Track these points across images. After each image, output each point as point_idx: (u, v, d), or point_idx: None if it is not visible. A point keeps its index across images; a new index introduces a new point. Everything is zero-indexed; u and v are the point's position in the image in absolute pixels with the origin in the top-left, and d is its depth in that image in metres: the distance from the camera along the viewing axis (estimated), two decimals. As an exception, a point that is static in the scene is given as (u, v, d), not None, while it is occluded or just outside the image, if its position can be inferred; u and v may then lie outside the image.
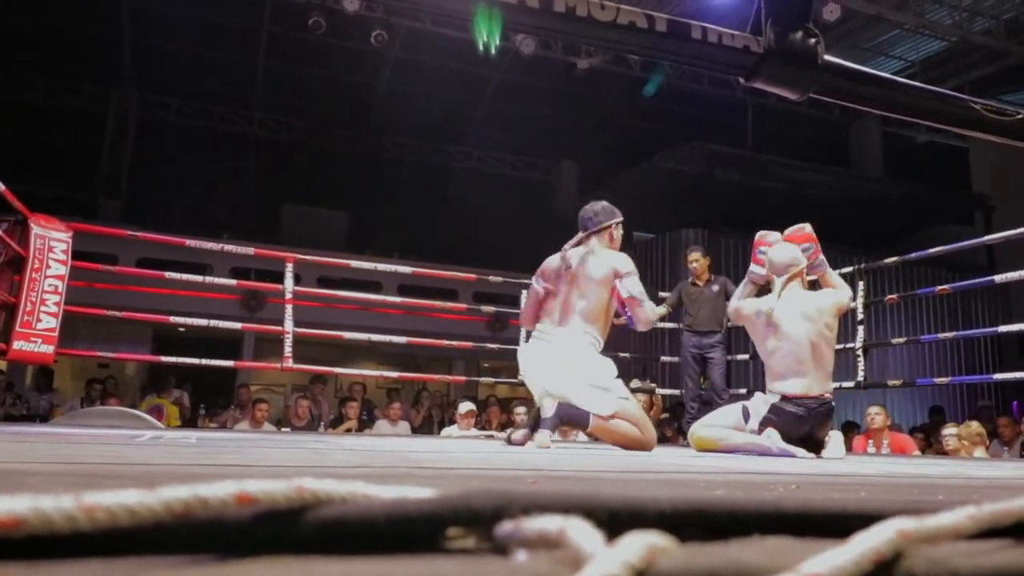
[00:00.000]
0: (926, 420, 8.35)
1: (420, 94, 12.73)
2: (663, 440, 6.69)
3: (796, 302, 3.52)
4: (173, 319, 5.19)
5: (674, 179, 11.09)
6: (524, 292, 4.74)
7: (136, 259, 9.01)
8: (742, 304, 3.69)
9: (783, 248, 3.65)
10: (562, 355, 3.26)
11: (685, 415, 6.13)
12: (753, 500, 0.45)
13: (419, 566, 0.33)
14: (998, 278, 5.19)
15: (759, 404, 3.48)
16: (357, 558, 0.35)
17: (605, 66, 10.81)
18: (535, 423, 3.21)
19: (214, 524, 0.38)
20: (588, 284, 3.35)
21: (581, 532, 0.34)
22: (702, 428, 3.61)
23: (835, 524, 0.46)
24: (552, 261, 3.49)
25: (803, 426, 3.37)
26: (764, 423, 3.38)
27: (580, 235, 3.48)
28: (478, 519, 0.40)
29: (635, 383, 6.96)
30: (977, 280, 5.69)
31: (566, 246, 3.49)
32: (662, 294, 6.51)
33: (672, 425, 7.06)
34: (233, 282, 6.40)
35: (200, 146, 13.12)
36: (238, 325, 5.71)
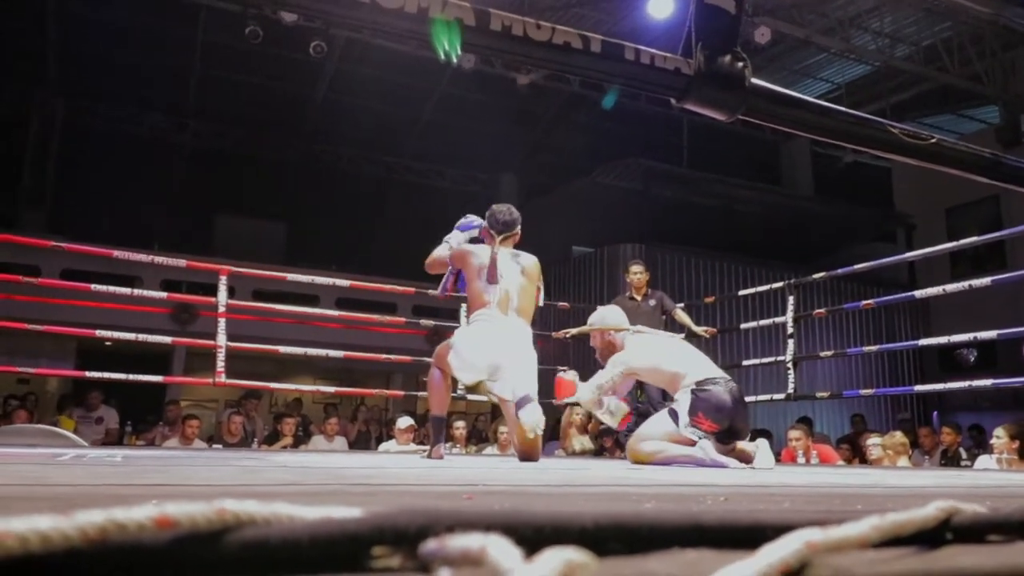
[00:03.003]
0: (851, 431, 8.62)
1: (359, 105, 12.64)
2: (601, 452, 6.76)
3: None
4: (99, 333, 5.02)
5: (612, 194, 11.26)
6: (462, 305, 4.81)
7: (60, 271, 8.68)
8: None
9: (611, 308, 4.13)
10: (514, 339, 3.44)
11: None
12: (673, 514, 0.47)
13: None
14: (919, 293, 5.42)
15: (682, 402, 3.58)
16: (277, 581, 0.35)
17: (545, 82, 10.94)
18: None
19: (132, 549, 0.37)
20: (525, 281, 3.59)
21: (501, 550, 0.34)
22: (638, 442, 3.67)
23: (752, 536, 0.48)
24: (478, 253, 3.63)
25: (725, 413, 3.47)
26: (692, 413, 3.48)
27: (507, 233, 3.69)
28: (403, 538, 0.40)
29: (573, 396, 7.02)
30: (899, 295, 5.93)
31: (497, 246, 3.65)
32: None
33: (611, 436, 7.13)
34: (163, 295, 6.22)
35: (130, 154, 12.72)
36: (168, 339, 5.55)
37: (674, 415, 3.57)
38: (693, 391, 3.53)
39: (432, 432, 3.65)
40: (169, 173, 13.27)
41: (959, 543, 0.53)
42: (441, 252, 3.87)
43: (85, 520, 0.35)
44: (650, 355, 3.76)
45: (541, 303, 3.75)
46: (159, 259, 5.56)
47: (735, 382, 3.63)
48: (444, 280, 3.88)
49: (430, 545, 0.39)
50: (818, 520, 0.48)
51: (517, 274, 3.59)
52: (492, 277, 3.54)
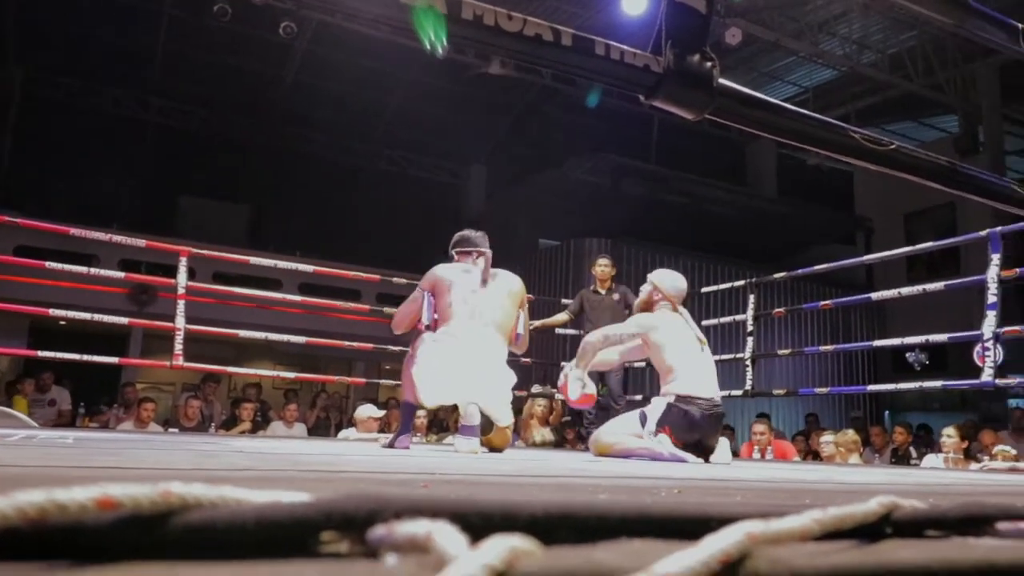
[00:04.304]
0: (804, 428, 8.78)
1: (329, 89, 12.47)
2: (562, 444, 6.81)
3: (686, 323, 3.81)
4: (53, 312, 4.90)
5: (580, 188, 11.28)
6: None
7: (14, 247, 8.45)
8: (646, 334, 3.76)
9: (674, 274, 3.96)
10: (483, 361, 3.35)
11: (584, 420, 6.25)
12: (621, 504, 0.48)
13: (280, 570, 0.33)
14: (875, 295, 5.54)
15: (656, 408, 3.60)
16: (221, 563, 0.35)
17: (517, 74, 10.91)
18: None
19: (73, 530, 0.37)
20: (502, 298, 3.54)
21: (446, 536, 0.34)
22: (601, 434, 3.73)
23: (698, 527, 0.49)
24: (451, 274, 3.59)
25: (695, 431, 3.50)
26: (660, 424, 3.50)
27: (478, 251, 3.67)
28: (351, 523, 0.40)
29: (536, 388, 7.06)
30: (856, 297, 6.05)
31: (473, 262, 3.64)
32: (564, 301, 6.62)
33: (573, 428, 7.18)
34: (121, 275, 6.10)
35: (90, 130, 12.40)
36: (125, 320, 5.44)
37: (643, 418, 3.59)
38: (670, 404, 3.52)
39: (401, 420, 3.58)
40: (132, 151, 12.96)
41: (898, 537, 0.54)
42: (404, 305, 3.79)
43: (24, 500, 0.35)
44: (667, 335, 3.68)
45: (521, 329, 3.62)
46: (118, 238, 5.44)
47: (719, 404, 3.62)
48: (426, 311, 3.64)
49: (378, 531, 0.39)
50: (762, 513, 0.49)
51: (495, 289, 3.56)
52: (461, 285, 3.51)
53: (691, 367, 3.61)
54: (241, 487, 0.42)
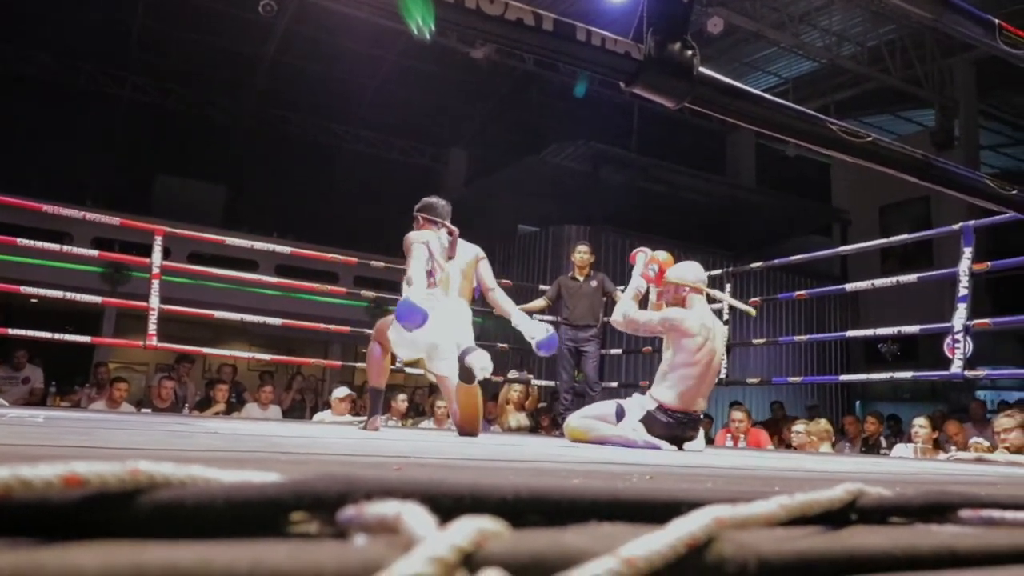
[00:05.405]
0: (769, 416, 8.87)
1: (309, 69, 12.33)
2: (537, 430, 6.84)
3: (716, 324, 3.71)
4: (25, 289, 4.83)
5: (560, 175, 11.27)
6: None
7: (-16, 223, 8.29)
8: (671, 314, 3.66)
9: (693, 265, 3.84)
10: (455, 314, 3.57)
11: (559, 406, 6.28)
12: (592, 488, 0.48)
13: (248, 550, 0.33)
14: (849, 287, 5.60)
15: (635, 407, 3.60)
16: (189, 542, 0.34)
17: (499, 58, 10.85)
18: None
19: (38, 507, 0.36)
20: (464, 266, 3.71)
21: (415, 517, 0.35)
22: (575, 419, 3.75)
23: (668, 511, 0.49)
24: (434, 242, 3.70)
25: (673, 431, 3.54)
26: (639, 421, 3.53)
27: (448, 226, 3.79)
28: (321, 504, 0.40)
29: (512, 373, 7.08)
30: (830, 288, 6.12)
31: (446, 232, 3.76)
32: (542, 287, 6.63)
33: (547, 414, 7.22)
34: (94, 252, 6.01)
35: (65, 105, 12.17)
36: (98, 299, 5.37)
37: (620, 413, 3.58)
38: (650, 411, 3.50)
39: (369, 404, 3.67)
40: (107, 128, 12.75)
41: (863, 523, 0.55)
42: (416, 262, 3.72)
43: (-11, 476, 0.34)
44: (693, 333, 3.54)
45: (491, 284, 3.84)
46: (91, 215, 5.36)
47: (701, 412, 3.61)
48: (425, 263, 3.69)
49: (348, 512, 0.39)
50: (731, 499, 0.50)
51: (458, 259, 3.71)
52: (451, 253, 3.67)
53: (692, 383, 3.52)
54: (211, 467, 0.42)
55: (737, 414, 6.22)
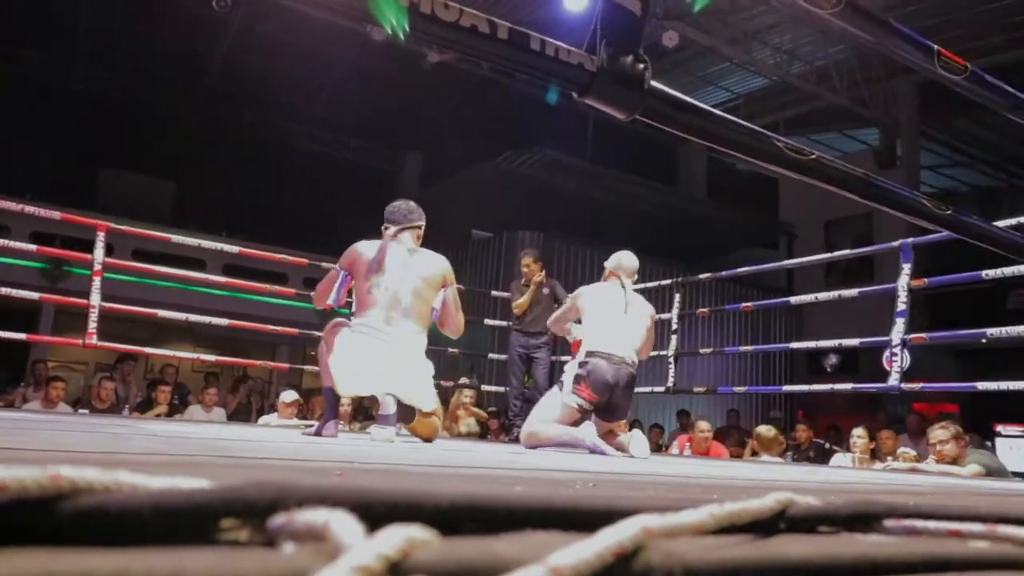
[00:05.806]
0: (725, 424, 9.03)
1: (263, 66, 12.13)
2: (485, 435, 6.83)
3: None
4: (-44, 284, 4.65)
5: (515, 181, 11.31)
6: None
7: (-84, 213, 7.96)
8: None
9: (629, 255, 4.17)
10: (400, 353, 3.20)
11: (509, 411, 6.29)
12: (526, 497, 0.48)
13: (170, 557, 0.32)
14: (794, 299, 5.73)
15: (569, 368, 3.83)
16: (108, 549, 0.34)
17: (456, 63, 10.85)
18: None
19: (-48, 513, 0.35)
20: (419, 283, 3.31)
21: (343, 525, 0.34)
22: (530, 424, 3.82)
23: (602, 520, 0.50)
24: (367, 251, 3.37)
25: (607, 391, 3.67)
26: (576, 381, 3.69)
27: (395, 229, 3.43)
28: (252, 511, 0.40)
29: (463, 379, 7.07)
30: (776, 300, 6.26)
31: (388, 241, 3.41)
32: (495, 293, 6.64)
33: (497, 419, 7.22)
34: (33, 247, 5.83)
35: (5, 93, 11.77)
36: (36, 295, 5.20)
37: (560, 385, 3.81)
38: (581, 362, 3.73)
39: (326, 407, 3.38)
40: (50, 118, 12.35)
41: (790, 532, 0.57)
42: (322, 282, 3.50)
43: (-101, 481, 0.33)
44: (590, 300, 3.97)
45: (437, 305, 3.37)
46: (30, 209, 5.19)
47: (631, 364, 3.77)
48: (337, 289, 3.42)
49: (279, 519, 0.39)
50: (666, 507, 0.51)
51: (412, 274, 3.30)
52: (379, 266, 3.28)
53: (606, 327, 3.82)
54: (139, 472, 0.41)
55: (703, 424, 6.32)
